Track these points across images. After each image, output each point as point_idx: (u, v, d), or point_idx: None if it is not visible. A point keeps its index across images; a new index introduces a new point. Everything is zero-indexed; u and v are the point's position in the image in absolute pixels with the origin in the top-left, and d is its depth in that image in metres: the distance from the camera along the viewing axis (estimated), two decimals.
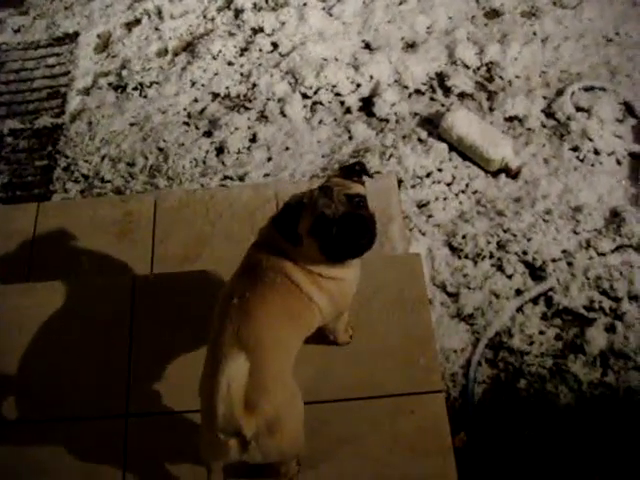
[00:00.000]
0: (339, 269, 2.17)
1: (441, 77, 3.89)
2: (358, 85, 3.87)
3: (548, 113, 3.68)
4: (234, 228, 3.16)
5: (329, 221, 2.01)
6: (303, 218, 2.05)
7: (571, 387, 2.85)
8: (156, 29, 4.32)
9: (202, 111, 3.89)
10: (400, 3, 4.23)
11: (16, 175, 3.80)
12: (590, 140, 3.51)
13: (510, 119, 3.67)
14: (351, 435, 2.50)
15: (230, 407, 1.85)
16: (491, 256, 3.18)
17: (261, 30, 4.20)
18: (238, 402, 1.85)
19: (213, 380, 1.86)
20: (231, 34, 4.21)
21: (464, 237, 3.22)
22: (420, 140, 3.60)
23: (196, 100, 3.95)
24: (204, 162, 3.64)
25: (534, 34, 4.02)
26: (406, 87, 3.85)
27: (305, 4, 4.28)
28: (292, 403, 2.10)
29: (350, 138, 3.66)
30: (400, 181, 3.39)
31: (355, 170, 2.20)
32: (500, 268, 3.14)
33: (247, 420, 1.90)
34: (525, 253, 3.16)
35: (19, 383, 2.71)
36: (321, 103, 3.83)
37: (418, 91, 3.85)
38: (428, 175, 3.45)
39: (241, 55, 4.12)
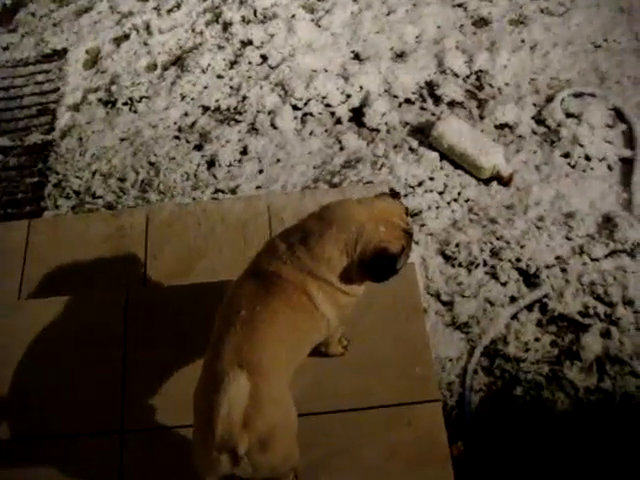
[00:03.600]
0: (361, 286, 2.23)
1: (431, 86, 3.89)
2: (348, 96, 3.87)
3: (538, 120, 3.69)
4: (227, 241, 3.16)
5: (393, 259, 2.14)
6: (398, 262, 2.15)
7: (568, 393, 2.84)
8: (145, 44, 4.32)
9: (192, 125, 3.88)
10: (388, 13, 4.25)
11: (7, 192, 3.78)
12: (581, 146, 3.52)
13: (501, 127, 3.68)
14: (348, 446, 2.49)
15: (229, 429, 1.85)
16: (485, 264, 3.17)
17: (250, 43, 4.20)
18: (238, 424, 1.86)
19: (213, 399, 1.85)
20: (220, 47, 4.22)
21: (457, 245, 3.22)
22: (411, 149, 3.60)
23: (186, 114, 3.94)
24: (195, 176, 3.63)
25: (522, 42, 4.03)
26: (396, 97, 3.85)
27: (293, 16, 4.29)
28: (287, 421, 2.09)
29: (341, 149, 3.67)
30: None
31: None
32: (494, 276, 3.14)
33: (242, 438, 1.89)
34: (519, 260, 3.16)
35: (12, 401, 2.70)
36: (311, 114, 3.83)
37: (408, 100, 3.86)
38: (420, 184, 3.45)
39: (230, 68, 4.12)
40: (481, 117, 3.72)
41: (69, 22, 4.54)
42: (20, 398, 2.70)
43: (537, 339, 2.98)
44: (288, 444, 2.10)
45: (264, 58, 4.13)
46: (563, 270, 3.13)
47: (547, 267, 3.14)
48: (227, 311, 2.13)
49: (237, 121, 3.86)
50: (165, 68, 4.20)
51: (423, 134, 3.66)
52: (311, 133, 3.76)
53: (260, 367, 1.99)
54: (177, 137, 3.84)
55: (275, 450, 2.01)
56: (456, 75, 3.91)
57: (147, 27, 4.40)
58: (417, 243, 3.25)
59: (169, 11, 4.48)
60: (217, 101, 3.97)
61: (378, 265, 2.11)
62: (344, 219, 2.13)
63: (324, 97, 3.87)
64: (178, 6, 4.50)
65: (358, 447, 2.48)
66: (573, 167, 3.49)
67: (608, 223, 3.26)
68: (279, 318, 2.09)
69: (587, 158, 3.51)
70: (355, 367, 2.62)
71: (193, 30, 4.36)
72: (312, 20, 4.27)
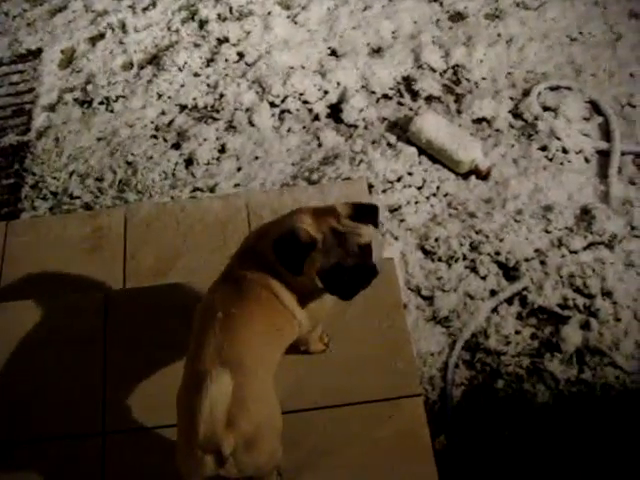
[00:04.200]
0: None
1: (408, 81, 3.90)
2: (325, 92, 3.87)
3: (516, 114, 3.70)
4: (206, 239, 3.14)
5: (342, 271, 2.06)
6: (313, 258, 2.05)
7: (548, 385, 2.85)
8: (120, 43, 4.29)
9: (170, 123, 3.86)
10: (364, 9, 4.24)
11: None
12: (558, 139, 3.54)
13: (478, 121, 3.69)
14: (330, 443, 2.49)
15: (212, 427, 1.83)
16: (464, 258, 3.18)
17: (226, 40, 4.19)
18: (221, 423, 1.84)
19: (196, 399, 1.83)
20: (196, 45, 4.19)
21: (437, 240, 3.23)
22: (389, 145, 3.60)
23: (163, 112, 3.92)
24: (173, 174, 3.62)
25: (499, 36, 4.05)
26: (373, 92, 3.85)
27: (270, 13, 4.28)
28: (271, 419, 2.09)
29: (319, 145, 3.66)
30: (371, 186, 3.39)
31: (369, 214, 2.15)
32: (474, 270, 3.15)
33: (226, 438, 1.88)
34: (498, 254, 3.17)
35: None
36: (289, 111, 3.82)
37: (385, 96, 3.86)
38: (399, 179, 3.45)
39: (207, 66, 4.10)
40: (459, 112, 3.73)
41: (43, 22, 4.49)
42: (2, 403, 2.67)
43: (517, 332, 2.99)
44: (273, 443, 2.10)
45: (241, 55, 4.11)
46: (542, 263, 3.15)
47: (526, 260, 3.16)
48: (204, 314, 2.14)
49: (215, 119, 3.84)
50: (141, 67, 4.17)
51: (401, 129, 3.66)
52: (289, 130, 3.75)
53: (242, 366, 1.99)
54: (154, 136, 3.81)
55: (260, 449, 2.01)
56: (433, 70, 3.91)
57: (122, 26, 4.36)
58: (397, 238, 3.26)
59: (144, 9, 4.44)
60: (194, 99, 3.95)
61: (281, 246, 2.07)
62: (289, 215, 2.14)
63: (301, 94, 3.86)
64: (153, 4, 4.46)
65: (341, 443, 2.47)
66: (551, 160, 3.51)
67: (586, 215, 3.28)
68: (254, 318, 2.11)
69: (564, 151, 3.53)
70: (336, 364, 2.62)
71: (169, 28, 4.33)
72: (288, 17, 4.26)
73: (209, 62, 4.12)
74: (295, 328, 2.23)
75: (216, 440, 1.86)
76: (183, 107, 3.94)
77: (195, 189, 3.53)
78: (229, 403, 1.83)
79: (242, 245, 2.28)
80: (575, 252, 3.18)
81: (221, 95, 3.93)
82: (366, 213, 2.13)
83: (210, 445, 1.87)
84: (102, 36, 4.36)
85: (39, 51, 4.36)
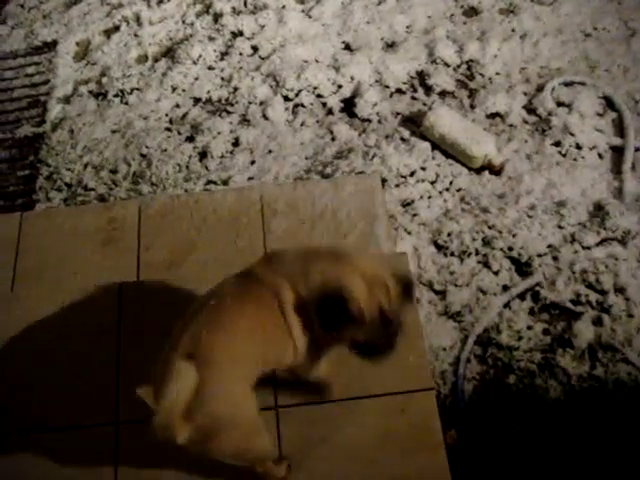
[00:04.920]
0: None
1: (422, 76, 3.89)
2: (339, 86, 3.87)
3: (529, 109, 3.69)
4: (219, 232, 3.15)
5: (374, 346, 2.09)
6: (353, 329, 2.03)
7: (560, 381, 2.85)
8: (135, 35, 4.30)
9: (184, 116, 3.87)
10: (379, 3, 4.24)
11: None
12: (572, 135, 3.53)
13: (492, 116, 3.69)
14: (342, 436, 2.51)
15: (167, 418, 1.87)
16: (477, 253, 3.18)
17: (241, 34, 4.19)
18: (177, 414, 1.87)
19: (160, 385, 1.86)
20: (211, 38, 4.20)
21: (449, 235, 3.23)
22: (403, 139, 3.60)
23: (178, 105, 3.93)
24: (187, 167, 3.63)
25: (513, 31, 4.04)
26: (387, 87, 3.85)
27: (284, 7, 4.28)
28: (236, 416, 2.04)
29: (333, 139, 3.66)
30: (384, 181, 3.39)
31: (409, 290, 2.14)
32: (486, 265, 3.15)
33: (181, 429, 1.90)
34: (511, 249, 3.17)
35: (6, 393, 2.70)
36: (303, 105, 3.83)
37: (399, 90, 3.86)
38: (412, 174, 3.45)
39: (221, 59, 4.11)
40: (472, 107, 3.73)
41: (59, 14, 4.52)
42: (14, 391, 2.70)
43: (529, 327, 2.99)
44: (239, 439, 2.07)
45: (255, 49, 4.12)
46: (555, 258, 3.15)
47: (539, 255, 3.16)
48: (201, 300, 2.10)
49: (229, 112, 3.86)
50: (156, 60, 4.19)
51: (414, 124, 3.66)
52: (303, 124, 3.75)
53: (211, 361, 1.95)
54: (169, 129, 3.83)
55: (220, 443, 2.00)
56: (447, 65, 3.91)
57: (137, 18, 4.38)
58: (409, 233, 3.26)
59: (159, 2, 4.46)
60: (208, 92, 3.96)
61: (327, 307, 1.99)
62: (337, 260, 2.07)
63: (315, 88, 3.86)
64: None
65: (352, 436, 2.49)
66: (564, 156, 3.50)
67: (599, 211, 3.27)
68: (244, 315, 2.04)
69: (578, 147, 3.52)
70: (348, 357, 2.62)
71: (184, 21, 4.34)
72: (302, 11, 4.27)
73: (223, 55, 4.13)
74: (289, 350, 2.12)
75: (170, 431, 1.88)
76: (197, 100, 3.95)
77: (209, 182, 3.54)
78: (189, 395, 1.85)
79: (274, 252, 2.21)
80: (588, 248, 3.18)
81: (235, 88, 3.94)
82: (408, 290, 2.13)
83: (165, 434, 1.89)
84: (117, 29, 4.38)
85: (54, 43, 4.39)
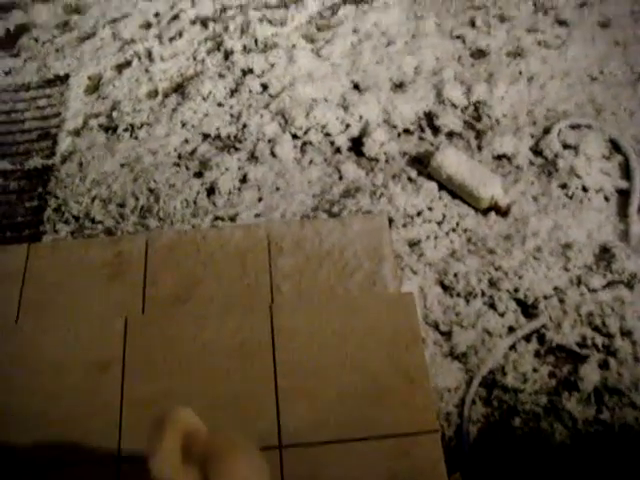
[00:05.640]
0: None
1: (430, 116, 3.93)
2: (347, 125, 3.90)
3: (536, 151, 3.72)
4: (225, 268, 3.15)
5: None
6: None
7: (566, 425, 2.83)
8: (146, 71, 4.35)
9: (193, 152, 3.90)
10: (388, 44, 4.29)
11: (6, 216, 3.78)
12: (578, 177, 3.55)
13: (499, 157, 3.71)
14: (346, 477, 2.48)
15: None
16: (483, 294, 3.18)
17: (251, 71, 4.24)
18: None
19: None
20: (221, 75, 4.25)
21: (455, 275, 3.23)
22: (410, 179, 3.62)
23: (186, 141, 3.96)
24: (195, 203, 3.64)
25: (520, 73, 4.08)
26: (395, 127, 3.88)
27: (294, 46, 4.33)
28: None
29: (340, 178, 3.68)
30: (391, 220, 3.40)
31: None
32: (492, 306, 3.15)
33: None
34: (517, 290, 3.17)
35: (8, 427, 2.68)
36: (311, 143, 3.85)
37: (407, 130, 3.89)
38: (419, 214, 3.46)
39: (231, 96, 4.15)
40: (479, 148, 3.75)
41: (72, 48, 4.57)
42: (16, 425, 2.68)
43: (535, 370, 2.98)
44: None
45: (264, 87, 4.16)
46: (561, 301, 3.14)
47: (545, 297, 3.15)
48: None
49: (237, 149, 3.88)
50: (166, 95, 4.23)
51: (422, 164, 3.68)
52: (310, 162, 3.78)
53: None
54: (177, 164, 3.85)
55: None
56: (454, 106, 3.94)
57: (149, 54, 4.43)
58: (415, 273, 3.26)
59: (171, 39, 4.51)
60: (217, 129, 3.98)
61: None
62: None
63: (324, 126, 3.89)
64: (180, 34, 4.53)
65: (358, 477, 2.47)
66: (570, 198, 3.52)
67: (605, 254, 3.27)
68: None
69: (584, 189, 3.53)
70: (354, 397, 2.62)
71: (194, 58, 4.39)
72: (312, 50, 4.32)
73: (233, 92, 4.17)
74: None
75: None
76: (206, 136, 3.98)
77: (216, 218, 3.55)
78: None
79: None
80: (594, 291, 3.17)
81: (244, 125, 3.97)
82: None
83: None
84: (129, 64, 4.42)
85: (66, 77, 4.43)
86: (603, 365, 2.97)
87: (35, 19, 4.78)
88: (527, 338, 3.07)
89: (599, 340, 3.03)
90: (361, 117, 3.91)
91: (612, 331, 3.04)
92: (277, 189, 3.67)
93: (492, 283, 3.20)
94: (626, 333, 3.04)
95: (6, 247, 3.51)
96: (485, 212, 3.48)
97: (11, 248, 3.42)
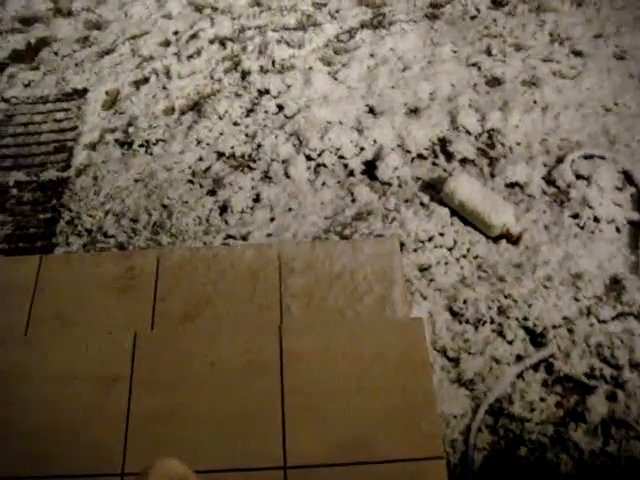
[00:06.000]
0: None
1: (443, 142, 3.95)
2: (362, 149, 3.92)
3: (549, 180, 3.73)
4: (236, 287, 3.16)
5: None
6: None
7: (572, 456, 2.82)
8: (164, 88, 4.39)
9: (207, 170, 3.93)
10: (404, 69, 4.33)
11: (20, 227, 3.81)
12: (590, 208, 3.55)
13: (511, 185, 3.72)
14: None
15: None
16: (492, 321, 3.18)
17: (267, 92, 4.28)
18: None
19: None
20: (237, 95, 4.29)
21: (465, 302, 3.23)
22: (422, 204, 3.63)
23: (201, 159, 3.99)
24: (207, 220, 3.66)
25: (534, 102, 4.10)
26: (409, 152, 3.90)
27: (311, 68, 4.38)
28: None
29: (353, 201, 3.70)
30: (402, 245, 3.41)
31: None
32: (501, 334, 3.14)
33: None
34: (526, 319, 3.17)
35: (14, 439, 2.68)
36: (325, 165, 3.88)
37: (421, 156, 3.91)
38: (430, 239, 3.47)
39: (247, 116, 4.18)
40: (492, 175, 3.76)
41: (91, 63, 4.63)
42: (23, 437, 2.69)
43: (542, 399, 2.97)
44: None
45: (280, 108, 4.19)
46: (570, 331, 3.14)
47: (554, 327, 3.15)
48: None
49: (251, 168, 3.91)
50: (182, 112, 4.27)
51: (434, 190, 3.70)
52: (324, 184, 3.80)
53: None
54: (191, 181, 3.88)
55: None
56: (469, 133, 3.97)
57: (167, 72, 4.48)
58: (425, 298, 3.26)
59: (189, 57, 4.57)
60: (232, 148, 4.02)
61: None
62: None
63: (338, 149, 3.91)
64: (198, 53, 4.59)
65: None
66: (582, 228, 3.52)
67: (616, 285, 3.27)
68: None
69: (596, 220, 3.54)
70: (360, 421, 2.61)
71: (212, 77, 4.44)
72: (329, 73, 4.36)
73: (249, 112, 4.20)
74: None
75: None
76: (221, 154, 4.01)
77: (228, 236, 3.57)
78: None
79: None
80: (604, 322, 3.17)
81: (259, 145, 4.00)
82: None
83: None
84: (146, 80, 4.47)
85: (85, 91, 4.48)
86: (611, 397, 2.95)
87: (56, 33, 4.85)
88: (535, 367, 3.06)
89: (607, 371, 3.02)
90: (375, 141, 3.93)
91: (621, 363, 3.03)
92: (290, 210, 3.69)
93: (501, 311, 3.20)
94: (635, 365, 3.03)
95: (18, 258, 3.54)
96: (496, 240, 3.49)
97: (23, 259, 3.44)
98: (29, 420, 2.72)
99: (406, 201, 3.65)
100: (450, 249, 3.45)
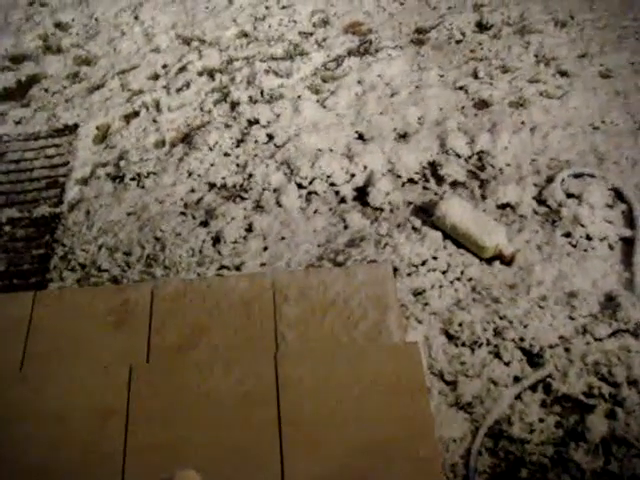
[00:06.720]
0: None
1: (433, 166, 3.97)
2: (352, 175, 3.94)
3: (540, 200, 3.74)
4: (231, 317, 3.16)
5: None
6: None
7: (574, 476, 2.79)
8: (154, 121, 4.42)
9: (199, 201, 3.94)
10: (392, 95, 4.36)
11: (13, 263, 3.81)
12: (582, 226, 3.56)
13: (502, 206, 3.74)
14: None
15: None
16: (488, 343, 3.17)
17: (257, 122, 4.31)
18: None
19: None
20: (227, 126, 4.31)
21: (460, 325, 3.22)
22: (414, 229, 3.64)
23: (193, 190, 4.00)
24: (201, 252, 3.67)
25: (522, 123, 4.13)
26: (399, 176, 3.92)
27: (299, 97, 4.41)
28: None
29: (345, 227, 3.71)
30: (395, 269, 3.41)
31: None
32: (497, 355, 3.13)
33: None
34: (522, 340, 3.16)
35: (6, 477, 2.66)
36: (316, 193, 3.90)
37: (411, 180, 3.93)
38: (423, 263, 3.47)
39: (237, 146, 4.21)
40: (483, 197, 3.78)
41: (81, 98, 4.66)
42: (17, 475, 2.67)
43: (541, 420, 2.95)
44: None
45: (270, 137, 4.22)
46: (567, 350, 3.13)
47: (550, 347, 3.14)
48: None
49: (243, 198, 3.92)
50: (173, 145, 4.29)
51: (426, 214, 3.71)
52: (315, 211, 3.81)
53: None
54: (183, 213, 3.89)
55: None
56: (458, 156, 3.99)
57: (157, 105, 4.51)
58: (420, 322, 3.26)
59: (178, 90, 4.60)
60: (223, 178, 4.03)
61: None
62: None
63: (329, 176, 3.93)
64: (187, 85, 4.63)
65: None
66: (574, 247, 3.53)
67: (610, 302, 3.27)
68: None
69: (588, 238, 3.55)
70: (358, 449, 2.60)
71: (201, 109, 4.47)
72: (317, 101, 4.39)
73: (239, 142, 4.23)
74: None
75: None
76: (212, 186, 4.03)
77: (221, 267, 3.57)
78: None
79: None
80: (600, 339, 3.16)
81: (250, 175, 4.02)
82: None
83: None
84: (136, 114, 4.50)
85: (75, 126, 4.51)
86: (610, 415, 2.94)
87: (46, 70, 4.89)
88: (533, 388, 3.05)
89: (606, 390, 3.01)
90: (366, 167, 3.95)
91: (619, 380, 3.02)
92: (282, 238, 3.69)
93: (497, 332, 3.20)
94: (633, 382, 3.01)
95: (12, 295, 3.54)
96: (489, 261, 3.49)
97: (17, 296, 3.44)
98: (25, 460, 2.70)
99: (398, 226, 3.66)
100: (444, 272, 3.45)
